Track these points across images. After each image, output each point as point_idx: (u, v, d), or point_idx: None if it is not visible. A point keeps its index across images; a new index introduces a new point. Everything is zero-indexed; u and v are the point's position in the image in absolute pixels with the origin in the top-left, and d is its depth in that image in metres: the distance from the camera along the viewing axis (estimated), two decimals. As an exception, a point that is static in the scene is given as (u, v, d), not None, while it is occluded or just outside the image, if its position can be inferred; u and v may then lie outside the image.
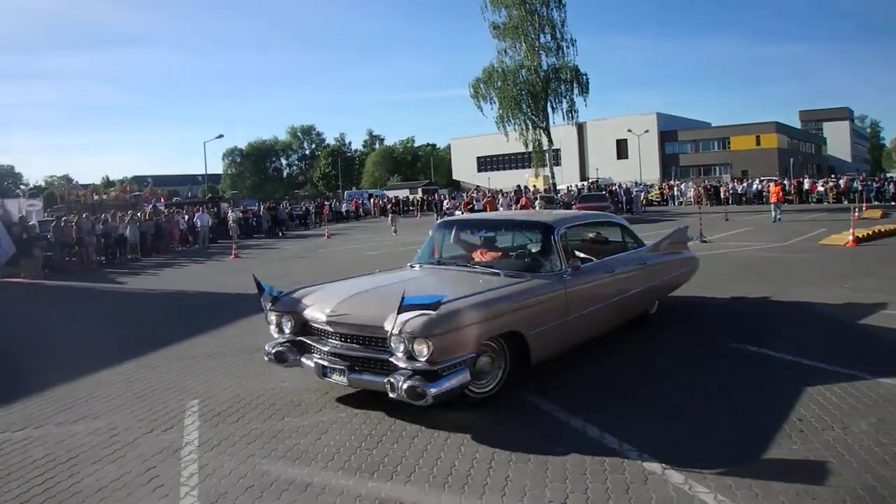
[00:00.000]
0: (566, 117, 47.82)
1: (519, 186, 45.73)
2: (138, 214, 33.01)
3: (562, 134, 64.56)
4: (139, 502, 4.97)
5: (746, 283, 13.42)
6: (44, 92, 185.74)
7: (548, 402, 6.69)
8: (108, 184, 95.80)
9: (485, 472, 5.17)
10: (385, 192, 76.63)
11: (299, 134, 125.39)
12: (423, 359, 5.93)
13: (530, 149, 49.28)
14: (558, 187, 48.92)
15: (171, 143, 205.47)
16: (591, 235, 10.10)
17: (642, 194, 49.25)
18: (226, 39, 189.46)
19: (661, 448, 5.36)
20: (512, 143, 49.58)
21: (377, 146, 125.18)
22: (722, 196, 47.71)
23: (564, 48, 46.53)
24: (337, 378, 6.54)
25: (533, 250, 8.51)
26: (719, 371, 7.64)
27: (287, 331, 7.36)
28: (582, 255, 8.69)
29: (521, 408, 6.60)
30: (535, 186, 51.70)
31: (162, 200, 55.10)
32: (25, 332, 13.20)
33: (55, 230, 26.49)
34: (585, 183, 58.21)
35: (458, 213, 33.95)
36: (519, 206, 32.40)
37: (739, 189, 48.44)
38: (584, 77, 47.04)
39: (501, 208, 34.54)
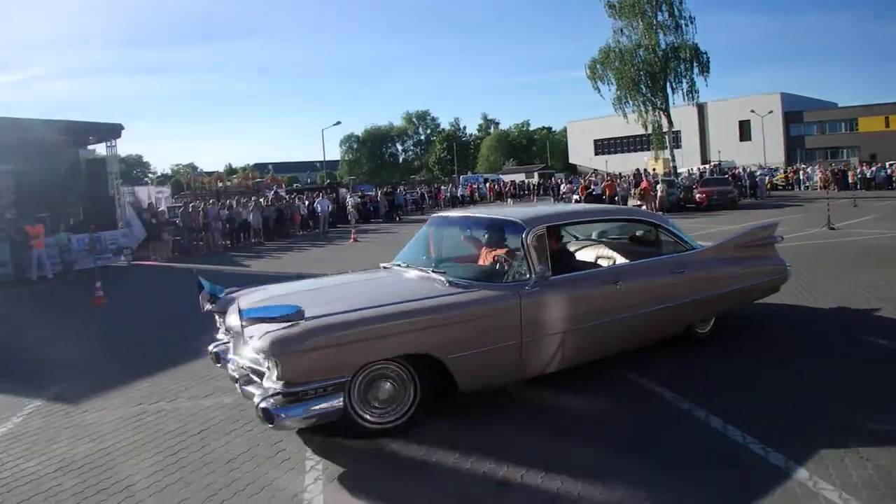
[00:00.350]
0: (686, 98, 46.88)
1: (638, 170, 44.85)
2: (261, 200, 34.17)
3: (681, 115, 63.00)
4: (266, 474, 5.28)
5: (879, 274, 12.79)
6: (170, 84, 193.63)
7: (669, 391, 6.60)
8: (230, 171, 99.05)
9: (611, 463, 5.17)
10: (500, 176, 76.51)
11: (414, 119, 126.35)
12: (275, 378, 5.38)
13: (649, 131, 48.49)
14: (679, 171, 47.79)
15: (290, 130, 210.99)
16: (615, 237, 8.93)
17: (766, 178, 47.45)
18: (342, 28, 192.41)
19: (785, 443, 5.24)
20: (630, 125, 48.85)
21: (492, 130, 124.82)
22: (850, 180, 45.52)
23: (683, 26, 45.69)
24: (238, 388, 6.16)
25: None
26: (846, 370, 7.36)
27: (222, 332, 7.14)
28: (587, 259, 8.13)
29: (640, 394, 6.62)
30: (654, 170, 50.74)
31: (283, 186, 56.75)
32: (156, 311, 14.01)
33: (183, 215, 27.81)
34: (707, 166, 56.58)
35: (574, 197, 33.63)
36: (639, 190, 31.76)
37: (868, 173, 46.13)
38: (704, 56, 46.04)
39: (620, 192, 33.87)
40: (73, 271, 21.43)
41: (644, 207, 30.35)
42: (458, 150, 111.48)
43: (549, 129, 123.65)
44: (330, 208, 35.85)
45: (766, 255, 8.92)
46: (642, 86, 46.61)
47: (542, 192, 58.65)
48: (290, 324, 5.46)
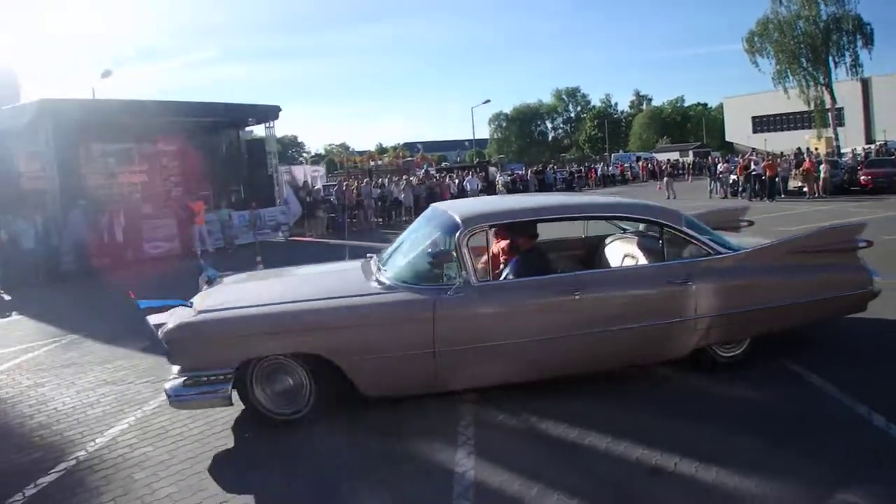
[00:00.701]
0: (849, 72, 44.36)
1: (799, 149, 42.72)
2: (412, 179, 34.75)
3: (844, 91, 59.44)
4: (420, 446, 5.44)
5: None
6: (324, 66, 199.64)
7: (833, 385, 6.24)
8: (381, 150, 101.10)
9: (768, 456, 5.00)
10: (653, 154, 74.59)
11: (564, 97, 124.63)
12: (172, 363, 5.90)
13: (811, 107, 46.16)
14: (842, 150, 45.27)
15: (438, 109, 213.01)
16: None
17: (939, 161, 44.02)
18: (491, 5, 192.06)
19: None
20: (791, 101, 46.65)
21: (644, 107, 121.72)
22: None
23: None
24: None
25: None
26: None
27: None
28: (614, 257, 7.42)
29: (801, 387, 6.37)
30: (816, 149, 48.25)
31: (433, 165, 57.52)
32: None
33: (337, 194, 28.70)
34: (872, 146, 53.27)
35: (732, 177, 32.30)
36: (801, 171, 30.15)
37: None
38: (868, 27, 43.48)
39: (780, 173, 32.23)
40: (233, 246, 22.59)
41: (805, 189, 28.99)
42: (610, 128, 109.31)
43: (705, 105, 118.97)
44: (479, 187, 36.06)
45: (842, 263, 6.84)
46: (803, 59, 44.55)
47: (697, 171, 56.68)
48: (183, 317, 5.86)
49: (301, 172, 34.64)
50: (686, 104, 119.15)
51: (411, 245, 7.01)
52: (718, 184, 32.53)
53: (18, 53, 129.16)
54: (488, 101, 75.64)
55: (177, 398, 5.71)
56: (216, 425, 6.17)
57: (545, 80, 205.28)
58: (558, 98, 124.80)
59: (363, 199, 28.82)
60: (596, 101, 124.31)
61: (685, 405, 5.97)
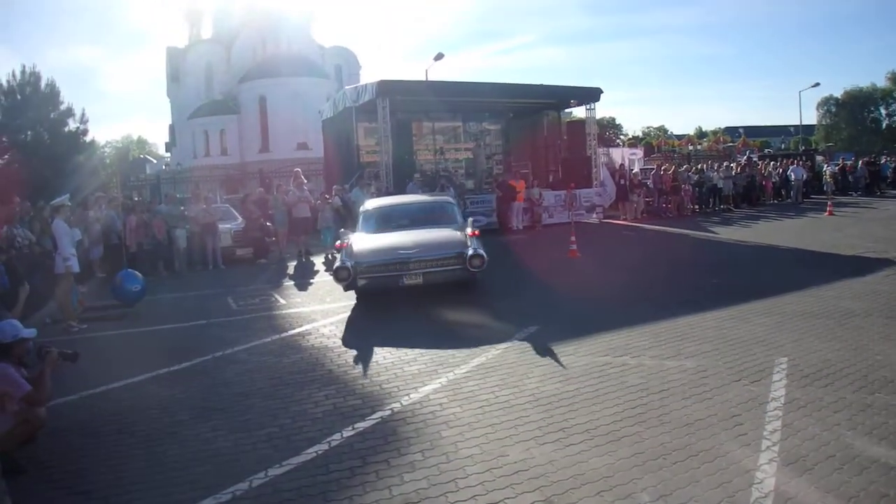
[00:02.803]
0: None
1: None
2: (732, 165, 33.20)
3: None
4: (721, 445, 5.15)
5: None
6: (642, 49, 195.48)
7: None
8: (700, 134, 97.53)
9: None
10: None
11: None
12: None
13: None
14: None
15: (763, 93, 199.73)
16: None
17: None
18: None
19: None
20: None
21: None
22: None
23: None
24: None
25: None
26: None
27: None
28: None
29: None
30: None
31: (756, 151, 54.55)
32: (625, 268, 14.46)
33: (654, 177, 28.09)
34: None
35: None
36: None
37: None
38: None
39: None
40: (541, 225, 23.14)
41: None
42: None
43: None
44: (805, 177, 33.58)
45: None
46: None
47: None
48: None
49: (619, 155, 34.37)
50: None
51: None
52: None
53: (359, 38, 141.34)
54: (817, 84, 70.09)
55: None
56: (522, 395, 6.33)
57: (880, 62, 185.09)
58: (894, 82, 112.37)
59: (680, 184, 28.00)
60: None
61: None
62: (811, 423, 5.49)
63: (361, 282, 10.59)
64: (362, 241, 11.49)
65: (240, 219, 19.19)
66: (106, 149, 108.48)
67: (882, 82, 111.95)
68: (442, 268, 10.62)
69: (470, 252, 10.59)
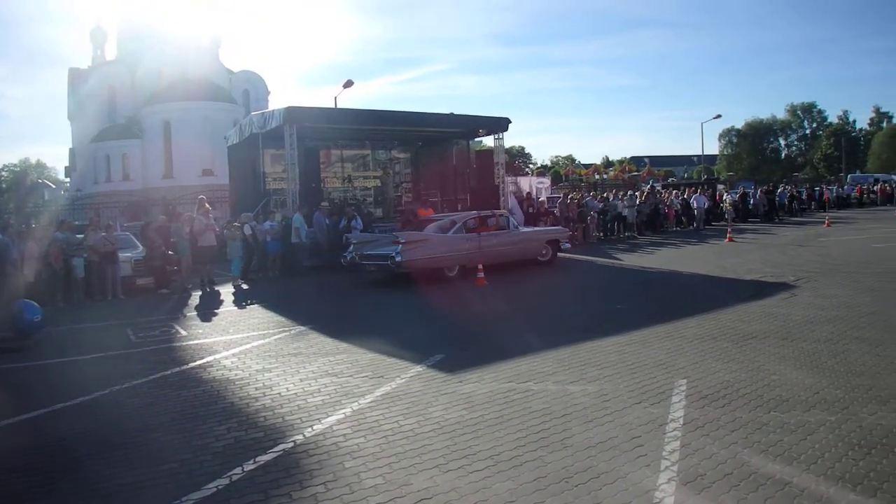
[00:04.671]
0: None
1: None
2: (637, 194, 34.07)
3: None
4: (622, 466, 5.22)
5: None
6: (552, 79, 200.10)
7: None
8: (607, 163, 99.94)
9: None
10: (893, 176, 68.65)
11: (799, 112, 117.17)
12: None
13: None
14: None
15: (668, 123, 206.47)
16: None
17: None
18: (723, 15, 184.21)
19: None
20: None
21: (884, 125, 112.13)
22: None
23: None
24: None
25: None
26: None
27: None
28: None
29: None
30: None
31: (660, 180, 56.14)
32: (531, 295, 14.64)
33: (560, 206, 28.61)
34: None
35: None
36: None
37: None
38: None
39: None
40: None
41: None
42: (847, 147, 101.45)
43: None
44: (706, 205, 34.73)
45: None
46: None
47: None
48: None
49: (527, 183, 34.95)
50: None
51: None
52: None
53: (269, 63, 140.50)
54: (719, 116, 72.77)
55: None
56: (427, 424, 6.29)
57: (779, 95, 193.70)
58: (793, 114, 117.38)
59: (586, 211, 28.58)
60: (832, 118, 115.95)
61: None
62: (709, 442, 5.63)
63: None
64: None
65: (141, 247, 18.63)
66: (3, 172, 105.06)
67: (782, 114, 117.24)
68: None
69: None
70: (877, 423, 5.91)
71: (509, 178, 30.92)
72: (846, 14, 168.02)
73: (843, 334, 9.33)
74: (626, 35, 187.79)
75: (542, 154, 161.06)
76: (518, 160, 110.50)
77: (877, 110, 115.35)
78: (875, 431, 5.73)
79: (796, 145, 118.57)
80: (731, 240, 25.14)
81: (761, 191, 41.84)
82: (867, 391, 6.77)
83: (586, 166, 78.26)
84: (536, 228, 22.45)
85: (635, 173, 61.10)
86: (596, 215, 28.93)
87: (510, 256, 18.65)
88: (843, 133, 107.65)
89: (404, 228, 22.21)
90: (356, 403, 7.03)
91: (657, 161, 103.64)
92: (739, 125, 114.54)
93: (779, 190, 43.27)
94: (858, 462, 5.15)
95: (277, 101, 75.07)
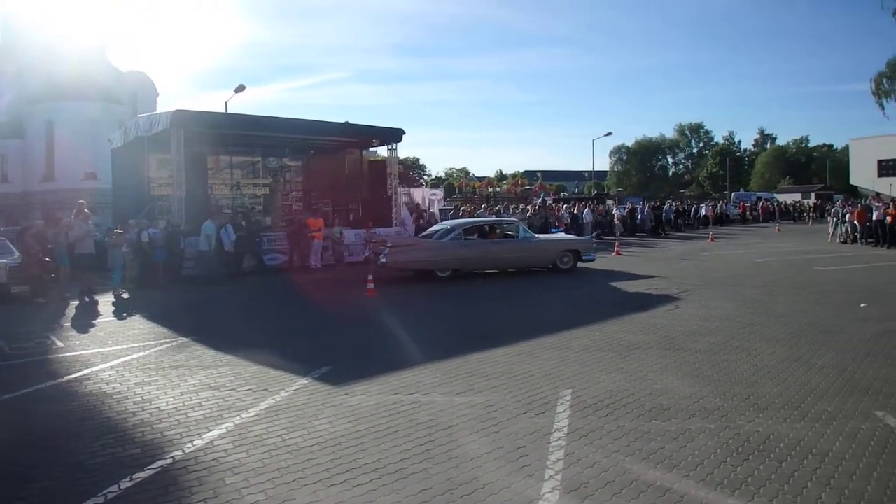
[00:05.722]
0: None
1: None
2: (528, 207, 34.60)
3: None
4: (507, 477, 5.26)
5: None
6: (449, 91, 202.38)
7: None
8: (501, 177, 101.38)
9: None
10: (775, 195, 72.32)
11: (687, 132, 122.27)
12: None
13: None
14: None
15: (561, 139, 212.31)
16: None
17: None
18: (617, 37, 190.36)
19: None
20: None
21: (768, 146, 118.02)
22: None
23: None
24: None
25: None
26: None
27: None
28: None
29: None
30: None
31: (551, 195, 57.23)
32: (421, 308, 14.62)
33: (453, 218, 28.76)
34: None
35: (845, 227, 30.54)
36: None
37: None
38: None
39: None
40: (343, 263, 22.98)
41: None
42: (731, 166, 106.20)
43: (830, 146, 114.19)
44: (593, 219, 35.57)
45: None
46: (935, 103, 42.93)
47: (819, 214, 54.34)
48: None
49: (420, 195, 35.02)
50: (811, 144, 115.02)
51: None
52: (843, 228, 30.56)
53: (159, 64, 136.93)
54: (610, 133, 75.26)
55: None
56: (311, 437, 6.18)
57: (668, 114, 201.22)
58: (681, 133, 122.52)
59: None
60: (719, 138, 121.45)
61: (795, 461, 5.59)
62: (592, 451, 5.75)
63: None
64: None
65: (17, 253, 17.71)
66: None
67: (670, 133, 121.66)
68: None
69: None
70: (754, 430, 6.15)
71: (402, 189, 30.93)
72: (733, 39, 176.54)
73: (723, 345, 9.73)
74: (523, 52, 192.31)
75: (436, 166, 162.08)
76: (412, 171, 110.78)
77: (761, 132, 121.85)
78: (753, 438, 5.97)
79: (683, 163, 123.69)
80: (618, 253, 25.79)
81: (649, 206, 43.23)
82: (745, 399, 7.05)
83: (480, 179, 78.95)
84: (555, 237, 23.29)
85: (528, 187, 61.95)
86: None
87: (515, 263, 19.79)
88: (729, 153, 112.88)
89: (288, 237, 22.08)
90: (238, 417, 6.84)
91: (549, 175, 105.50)
92: (630, 143, 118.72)
93: (665, 206, 44.77)
94: (737, 468, 5.35)
95: (168, 104, 73.02)
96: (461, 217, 28.72)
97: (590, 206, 38.79)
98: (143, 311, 14.40)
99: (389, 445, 5.95)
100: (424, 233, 20.84)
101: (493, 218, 21.01)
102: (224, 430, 6.47)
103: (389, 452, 5.79)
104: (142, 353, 10.11)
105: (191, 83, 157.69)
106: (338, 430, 6.36)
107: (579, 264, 20.34)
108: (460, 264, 18.89)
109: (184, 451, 5.96)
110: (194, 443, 6.16)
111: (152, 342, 10.97)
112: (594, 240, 24.44)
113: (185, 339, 10.99)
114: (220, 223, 19.71)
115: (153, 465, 5.66)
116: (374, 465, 5.51)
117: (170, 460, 5.77)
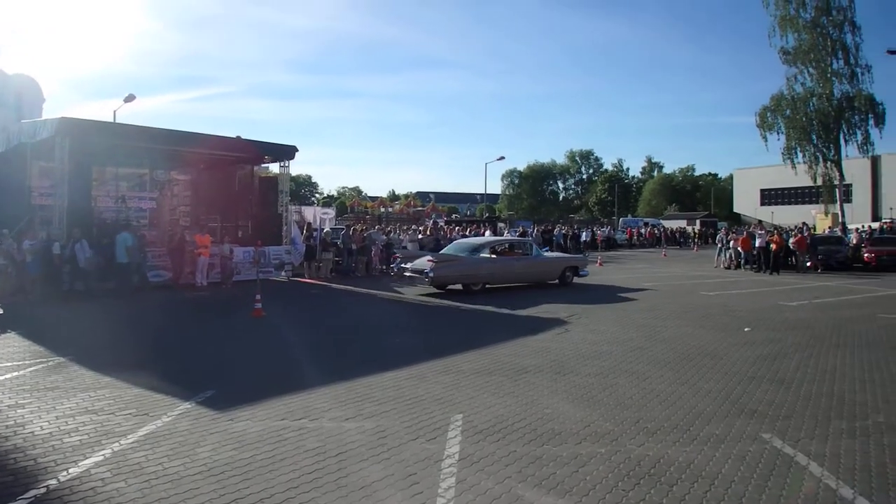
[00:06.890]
0: (860, 150, 45.58)
1: (804, 224, 42.56)
2: (420, 228, 34.69)
3: (853, 168, 59.96)
4: (399, 504, 5.20)
5: None
6: (344, 109, 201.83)
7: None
8: (393, 197, 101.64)
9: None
10: (661, 221, 75.04)
11: (577, 158, 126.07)
12: None
13: (818, 183, 47.15)
14: (848, 227, 45.03)
15: (454, 161, 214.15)
16: None
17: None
18: (510, 63, 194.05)
19: None
20: (800, 175, 47.54)
21: (655, 173, 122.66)
22: None
23: (859, 74, 44.78)
24: None
25: None
26: None
27: None
28: None
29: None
30: (812, 227, 47.38)
31: (443, 216, 57.60)
32: (310, 329, 14.38)
33: (344, 237, 28.55)
34: (878, 224, 52.72)
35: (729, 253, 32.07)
36: (794, 242, 29.99)
37: None
38: (881, 107, 44.72)
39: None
40: (231, 282, 22.46)
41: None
42: (620, 192, 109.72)
43: (715, 175, 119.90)
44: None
45: None
46: (814, 136, 45.55)
47: (704, 241, 56.87)
48: None
49: (311, 213, 34.59)
50: (697, 173, 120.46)
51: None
52: (727, 254, 32.14)
53: (47, 68, 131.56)
54: (502, 157, 76.57)
55: None
56: (194, 465, 5.96)
57: (560, 141, 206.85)
58: (572, 159, 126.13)
59: (370, 244, 28.70)
60: (608, 165, 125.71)
61: (685, 484, 5.73)
62: (484, 477, 5.76)
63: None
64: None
65: None
66: None
67: (561, 159, 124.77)
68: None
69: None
70: (645, 454, 6.29)
71: (293, 207, 30.54)
72: (626, 70, 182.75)
73: (612, 368, 9.96)
74: (419, 73, 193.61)
75: (329, 184, 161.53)
76: (304, 189, 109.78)
77: (649, 160, 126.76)
78: (643, 462, 6.11)
79: (573, 189, 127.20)
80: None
81: (539, 230, 44.02)
82: (635, 423, 7.22)
83: (373, 199, 78.93)
84: (558, 255, 27.22)
85: (420, 208, 62.30)
86: (380, 248, 29.09)
87: (531, 278, 22.26)
88: (618, 179, 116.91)
89: (170, 253, 21.53)
90: (117, 444, 6.54)
91: (442, 197, 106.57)
92: (522, 167, 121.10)
93: (555, 230, 45.68)
94: (628, 492, 5.46)
95: (54, 111, 70.26)
96: (352, 237, 28.61)
97: (483, 228, 39.20)
98: (17, 327, 13.64)
99: (276, 474, 5.79)
100: (444, 249, 23.36)
101: (515, 237, 24.22)
102: (101, 458, 6.17)
103: (276, 481, 5.63)
104: (15, 374, 9.55)
105: (79, 90, 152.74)
106: (222, 457, 6.15)
107: (575, 279, 22.97)
108: (490, 278, 20.97)
109: (58, 480, 5.65)
110: (70, 471, 5.85)
111: (27, 361, 10.40)
112: (587, 258, 27.80)
113: (62, 359, 10.44)
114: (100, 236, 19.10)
115: (25, 495, 5.35)
116: (261, 495, 5.35)
117: (43, 490, 5.46)
